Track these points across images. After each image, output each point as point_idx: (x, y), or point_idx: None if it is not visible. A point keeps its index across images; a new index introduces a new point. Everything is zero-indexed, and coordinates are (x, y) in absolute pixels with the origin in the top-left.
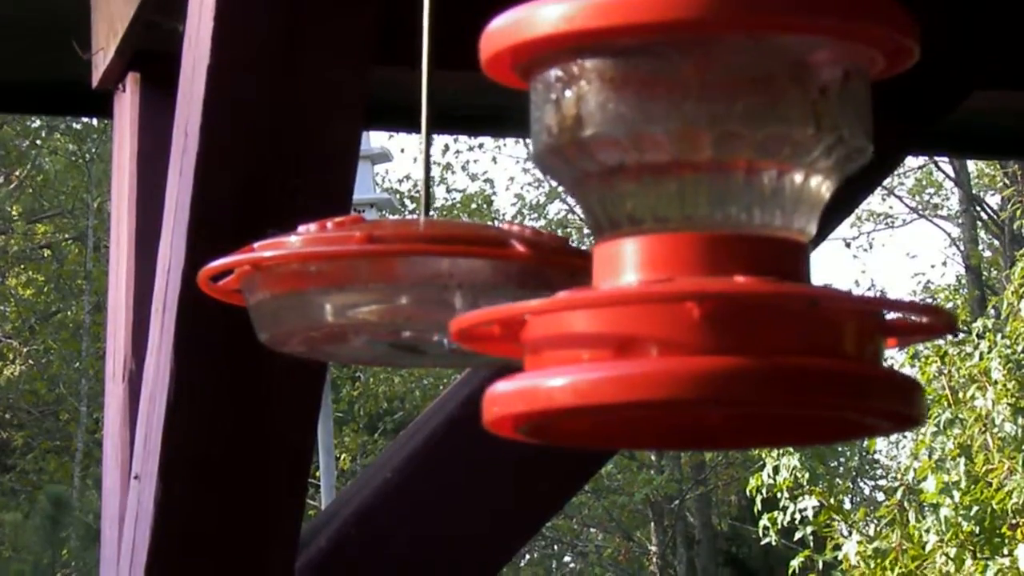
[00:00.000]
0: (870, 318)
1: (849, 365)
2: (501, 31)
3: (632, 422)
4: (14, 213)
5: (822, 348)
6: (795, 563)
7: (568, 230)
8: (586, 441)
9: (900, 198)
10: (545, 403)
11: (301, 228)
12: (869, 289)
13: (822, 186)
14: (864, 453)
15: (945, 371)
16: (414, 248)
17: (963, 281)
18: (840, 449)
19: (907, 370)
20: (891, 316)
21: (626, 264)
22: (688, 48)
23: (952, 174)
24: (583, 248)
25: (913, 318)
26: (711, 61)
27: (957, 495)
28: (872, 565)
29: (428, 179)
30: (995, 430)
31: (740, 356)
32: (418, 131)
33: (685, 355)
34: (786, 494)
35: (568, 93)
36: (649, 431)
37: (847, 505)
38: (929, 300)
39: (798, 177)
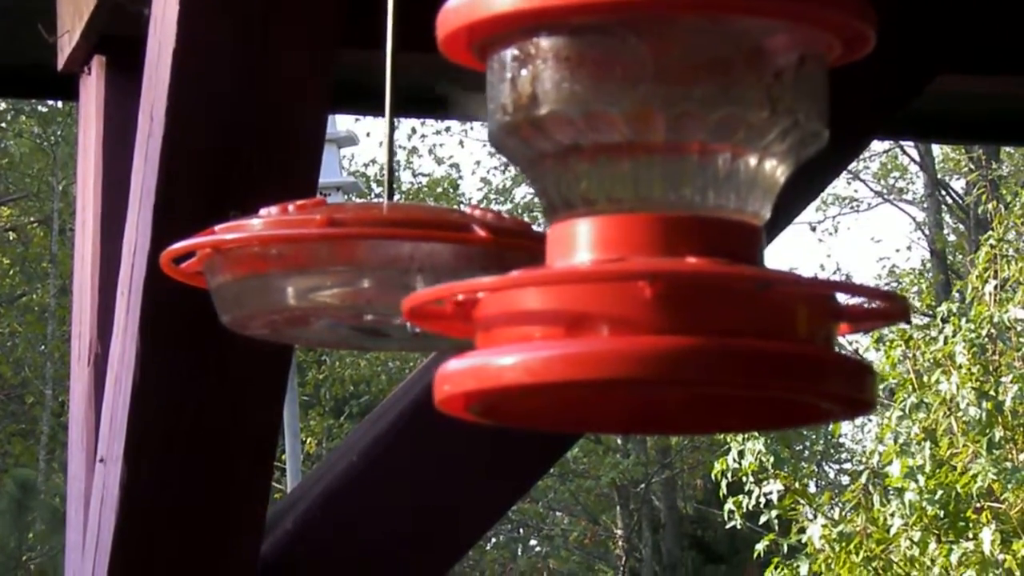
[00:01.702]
0: (822, 302)
1: (799, 348)
2: (457, 10)
3: (588, 404)
4: None
5: (773, 330)
6: (760, 547)
7: (534, 214)
8: (541, 423)
9: (865, 182)
10: (495, 381)
11: (263, 211)
12: (834, 273)
13: (777, 170)
14: (829, 437)
15: (910, 355)
16: (373, 232)
17: (928, 265)
18: (805, 433)
19: (871, 354)
20: (846, 301)
21: (579, 244)
22: (644, 29)
23: (917, 158)
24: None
25: (867, 303)
26: (667, 42)
27: (922, 479)
28: (837, 549)
29: (392, 162)
30: (960, 414)
31: (690, 336)
32: (384, 114)
33: (636, 334)
34: (751, 478)
35: (524, 72)
36: (606, 414)
37: (812, 489)
38: (894, 284)
39: (752, 160)
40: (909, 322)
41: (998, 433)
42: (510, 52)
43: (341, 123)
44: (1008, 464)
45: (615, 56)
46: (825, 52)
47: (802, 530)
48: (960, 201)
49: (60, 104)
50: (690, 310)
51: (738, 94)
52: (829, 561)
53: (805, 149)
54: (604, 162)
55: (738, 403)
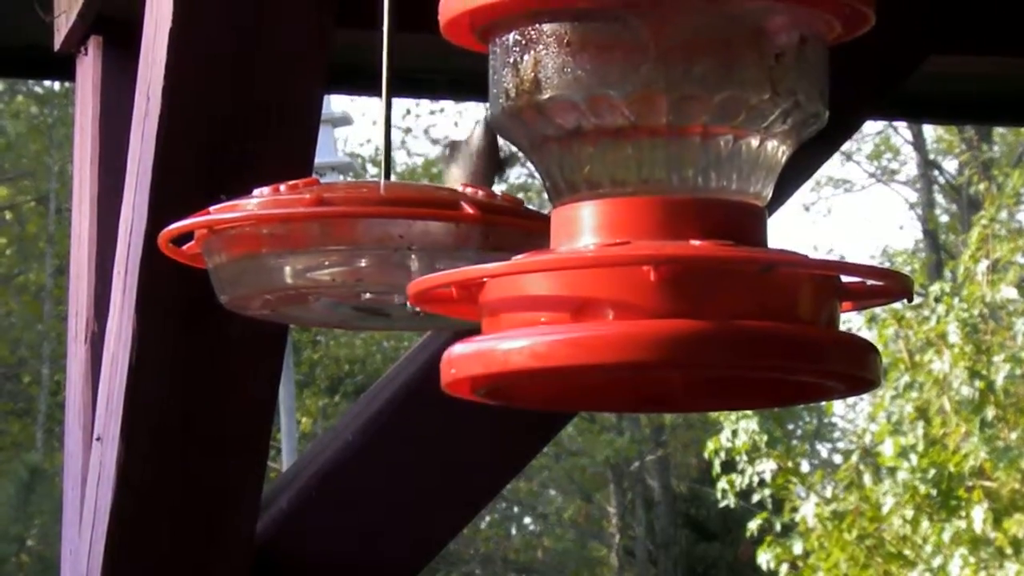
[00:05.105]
0: (826, 282)
1: (804, 329)
2: None
3: (590, 385)
4: None
5: (778, 312)
6: (753, 525)
7: (528, 194)
8: (544, 403)
9: (858, 163)
10: (502, 365)
11: (256, 191)
12: (828, 253)
13: (778, 151)
14: (822, 416)
15: (902, 334)
16: (361, 210)
17: (920, 245)
18: (798, 412)
19: (865, 333)
20: (848, 280)
21: (583, 227)
22: (645, 12)
23: (910, 139)
24: (540, 211)
25: (870, 282)
26: (668, 25)
27: (914, 458)
28: (829, 527)
29: (388, 142)
30: (952, 393)
31: (696, 319)
32: (379, 94)
33: (641, 318)
34: (744, 457)
35: (526, 57)
36: (607, 393)
37: (805, 468)
38: (887, 264)
39: (754, 141)
40: (912, 299)
41: (990, 412)
42: (512, 36)
43: (336, 103)
44: (1000, 443)
45: (617, 40)
46: (825, 32)
47: (795, 509)
48: (952, 181)
49: (57, 84)
50: (695, 293)
51: (740, 75)
52: (822, 539)
53: (806, 129)
54: (607, 145)
55: (743, 383)
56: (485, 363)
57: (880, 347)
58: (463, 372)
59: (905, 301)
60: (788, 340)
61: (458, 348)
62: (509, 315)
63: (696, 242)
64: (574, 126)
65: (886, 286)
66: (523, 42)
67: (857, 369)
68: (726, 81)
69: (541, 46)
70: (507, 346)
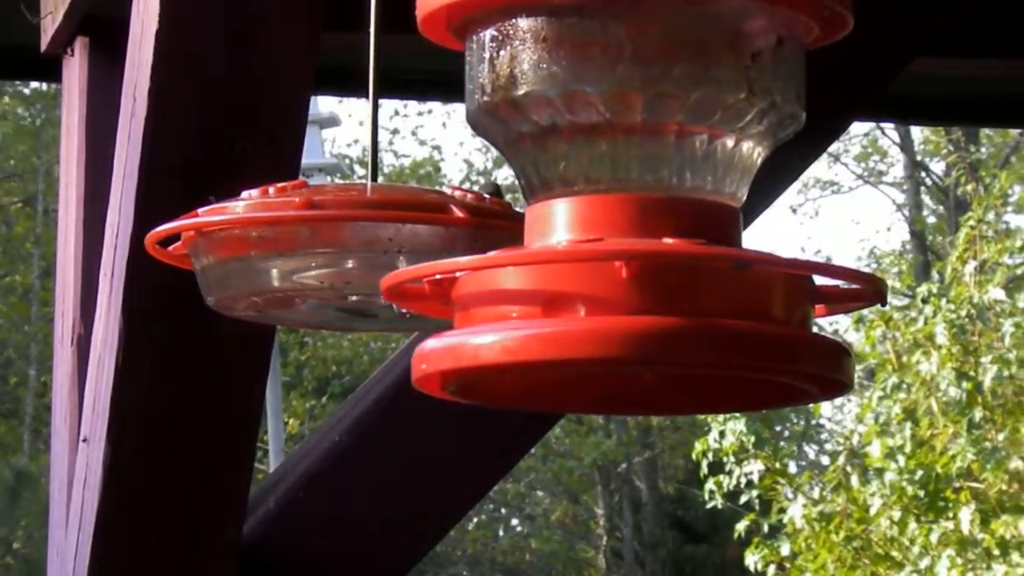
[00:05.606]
0: (798, 283)
1: (776, 328)
2: None
3: (566, 384)
4: None
5: (749, 311)
6: (741, 526)
7: (516, 195)
8: (516, 402)
9: (846, 165)
10: (472, 360)
11: (244, 194)
12: (815, 255)
13: (754, 152)
14: (809, 418)
15: (890, 335)
16: (352, 214)
17: (908, 247)
18: (785, 413)
19: (852, 334)
20: (823, 282)
21: (557, 224)
22: (622, 10)
23: (898, 140)
24: None
25: (844, 285)
26: (645, 23)
27: (902, 459)
28: (817, 528)
29: (375, 144)
30: (939, 394)
31: (666, 316)
32: (366, 96)
33: (612, 314)
34: (732, 458)
35: (502, 53)
36: (584, 394)
37: (792, 469)
38: (874, 266)
39: (730, 142)
40: (885, 304)
41: (977, 413)
42: (489, 33)
43: (324, 104)
44: (987, 444)
45: (593, 37)
46: (803, 34)
47: (782, 510)
48: (939, 183)
49: (44, 85)
50: (666, 290)
51: (716, 75)
52: (809, 541)
53: (782, 131)
54: (582, 143)
55: (716, 383)
56: (455, 358)
57: (867, 348)
58: (433, 367)
59: (879, 306)
60: (759, 338)
61: (429, 343)
62: (481, 310)
63: (669, 240)
64: (549, 122)
65: (860, 290)
66: (499, 38)
67: (828, 371)
68: (702, 80)
69: (517, 42)
70: (478, 341)
